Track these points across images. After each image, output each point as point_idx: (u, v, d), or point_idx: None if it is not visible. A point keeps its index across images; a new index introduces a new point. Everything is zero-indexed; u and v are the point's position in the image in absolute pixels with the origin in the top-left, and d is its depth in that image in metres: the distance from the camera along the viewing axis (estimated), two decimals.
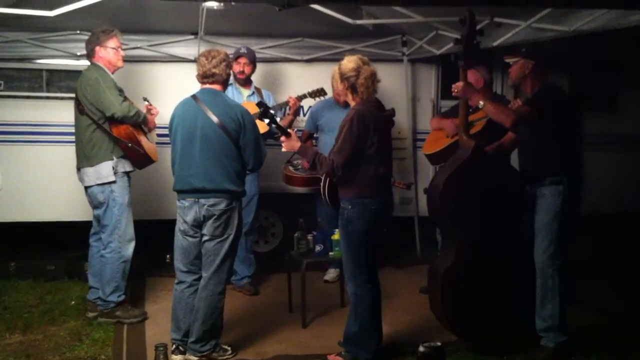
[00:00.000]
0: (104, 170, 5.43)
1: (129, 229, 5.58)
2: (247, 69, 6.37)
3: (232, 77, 6.36)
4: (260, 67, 6.87)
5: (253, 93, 6.44)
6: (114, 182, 5.44)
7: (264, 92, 6.55)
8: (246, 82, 6.46)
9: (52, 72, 6.96)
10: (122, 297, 5.59)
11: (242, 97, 6.36)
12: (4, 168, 6.80)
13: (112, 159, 5.44)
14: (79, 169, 5.56)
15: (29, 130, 6.85)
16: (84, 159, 5.49)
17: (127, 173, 5.55)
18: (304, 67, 7.34)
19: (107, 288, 5.51)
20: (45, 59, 6.89)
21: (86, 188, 5.55)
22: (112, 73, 5.54)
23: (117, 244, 5.50)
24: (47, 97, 6.94)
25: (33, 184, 6.82)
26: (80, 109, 5.47)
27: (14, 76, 6.90)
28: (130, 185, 5.60)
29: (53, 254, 6.84)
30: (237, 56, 6.37)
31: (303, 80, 7.14)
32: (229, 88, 6.34)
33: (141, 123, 5.56)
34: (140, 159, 5.57)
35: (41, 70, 6.93)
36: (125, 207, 5.52)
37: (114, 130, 5.41)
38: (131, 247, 5.59)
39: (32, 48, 6.74)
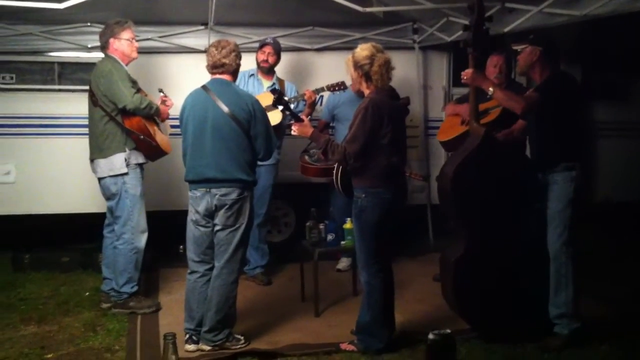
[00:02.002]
0: (117, 162, 5.45)
1: (142, 221, 5.60)
2: (271, 59, 6.32)
3: (255, 67, 6.38)
4: None
5: (274, 84, 6.39)
6: (126, 173, 5.46)
7: (286, 84, 6.51)
8: (269, 72, 6.40)
9: (64, 65, 6.99)
10: (136, 288, 5.61)
11: (263, 88, 6.33)
12: (18, 161, 6.86)
13: (125, 151, 5.46)
14: (92, 160, 5.58)
15: (42, 123, 6.88)
16: (97, 151, 5.51)
17: (140, 165, 5.57)
18: (315, 56, 7.32)
19: (120, 279, 5.54)
20: (57, 51, 6.91)
21: (99, 179, 5.57)
22: (127, 64, 5.54)
23: (130, 235, 5.53)
24: (59, 90, 6.96)
25: (46, 177, 6.86)
26: (93, 101, 5.49)
27: (25, 69, 6.92)
28: (143, 177, 5.62)
29: (67, 246, 6.90)
30: (263, 45, 6.34)
31: (314, 70, 7.14)
32: (250, 79, 6.34)
33: (153, 115, 5.56)
34: (152, 151, 5.58)
35: (53, 63, 6.96)
36: (138, 198, 5.54)
37: (126, 122, 5.42)
38: (144, 238, 5.61)
39: (43, 41, 6.76)
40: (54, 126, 6.85)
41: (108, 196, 5.58)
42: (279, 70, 6.64)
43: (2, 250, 6.93)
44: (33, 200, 6.90)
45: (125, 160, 5.46)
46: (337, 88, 6.35)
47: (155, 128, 5.62)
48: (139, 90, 5.55)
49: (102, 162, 5.49)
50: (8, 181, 6.84)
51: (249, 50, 6.47)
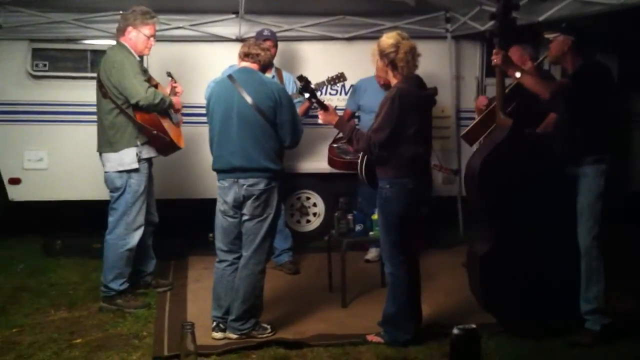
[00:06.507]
0: (128, 157, 5.26)
1: (139, 217, 5.38)
2: (272, 52, 6.25)
3: None
4: (301, 45, 6.91)
5: (274, 77, 6.25)
6: (136, 169, 5.28)
7: (284, 74, 6.42)
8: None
9: (97, 53, 6.98)
10: (125, 286, 5.39)
11: None
12: (51, 147, 6.93)
13: (137, 145, 5.27)
14: (100, 153, 5.39)
15: (74, 110, 6.91)
16: (107, 144, 5.31)
17: (148, 159, 5.40)
18: (345, 46, 7.25)
19: (108, 274, 5.34)
20: (90, 39, 6.94)
21: (105, 172, 5.40)
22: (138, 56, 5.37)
23: (123, 231, 5.33)
24: (92, 78, 6.90)
25: (78, 163, 6.88)
26: (103, 92, 5.27)
27: (58, 57, 6.96)
28: (151, 172, 5.48)
29: (99, 233, 6.92)
30: (264, 39, 6.08)
31: (344, 59, 7.06)
32: None
33: (167, 109, 5.38)
34: (165, 147, 5.41)
35: (85, 50, 6.98)
36: (140, 194, 5.33)
37: (137, 116, 5.21)
38: (137, 234, 5.39)
39: (76, 29, 6.80)
40: (86, 113, 6.84)
41: (111, 189, 5.37)
42: (311, 59, 6.55)
43: (34, 235, 7.04)
44: (65, 186, 6.97)
45: (137, 155, 5.27)
46: (337, 80, 6.33)
47: (168, 121, 5.42)
48: (149, 79, 5.39)
49: (112, 157, 5.28)
50: (41, 167, 6.91)
51: (280, 39, 6.45)
